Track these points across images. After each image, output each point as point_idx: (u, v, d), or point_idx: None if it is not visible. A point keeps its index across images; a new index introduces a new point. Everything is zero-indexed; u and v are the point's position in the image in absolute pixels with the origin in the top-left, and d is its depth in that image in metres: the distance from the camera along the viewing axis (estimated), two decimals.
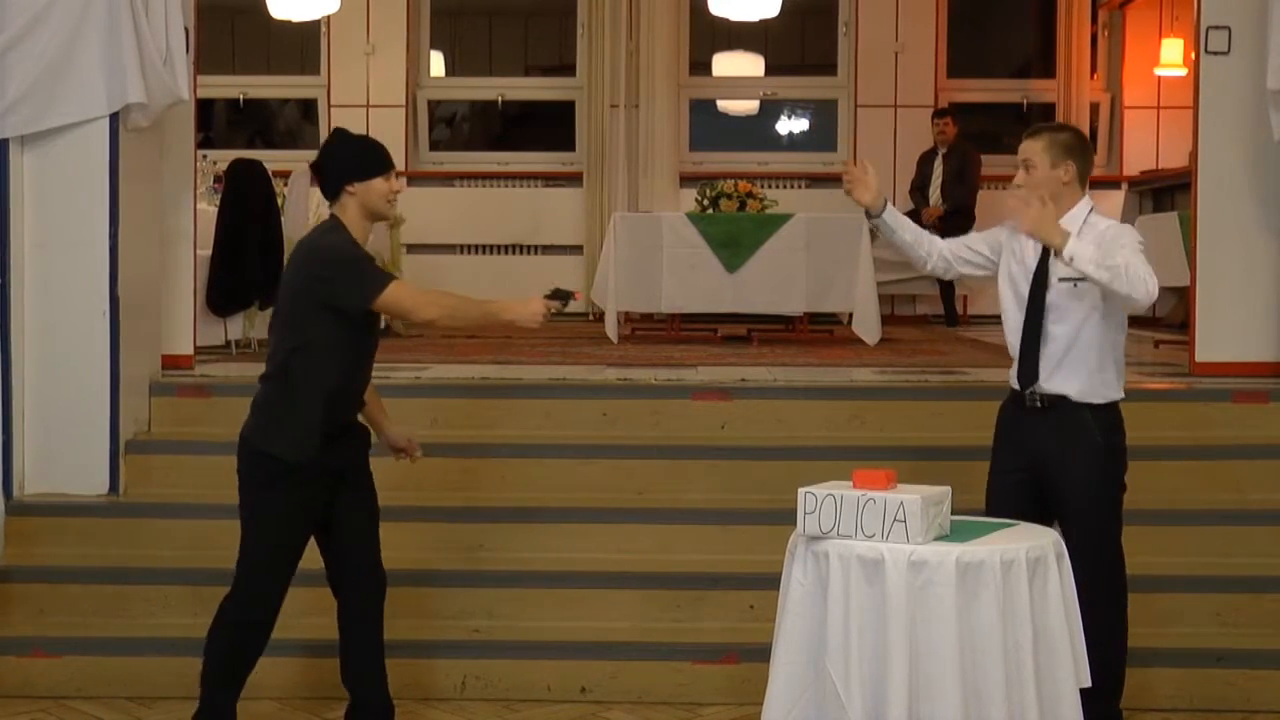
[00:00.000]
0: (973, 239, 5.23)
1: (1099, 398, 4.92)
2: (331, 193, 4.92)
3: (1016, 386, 5.01)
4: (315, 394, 4.81)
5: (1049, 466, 4.92)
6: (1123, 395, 5.00)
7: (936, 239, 5.24)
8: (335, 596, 5.10)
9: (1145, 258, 4.78)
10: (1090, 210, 4.96)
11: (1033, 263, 4.95)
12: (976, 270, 5.18)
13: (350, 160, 4.90)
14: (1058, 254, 4.71)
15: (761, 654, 4.47)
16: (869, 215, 5.12)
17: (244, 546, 4.94)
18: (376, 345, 5.04)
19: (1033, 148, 4.95)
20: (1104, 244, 4.78)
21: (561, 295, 4.86)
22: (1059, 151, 4.93)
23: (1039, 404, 4.93)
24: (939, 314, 12.16)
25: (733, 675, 5.63)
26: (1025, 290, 4.97)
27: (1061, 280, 4.88)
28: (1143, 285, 4.65)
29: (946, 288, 11.82)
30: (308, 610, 5.38)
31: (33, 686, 5.70)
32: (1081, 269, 4.67)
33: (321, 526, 5.00)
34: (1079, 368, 4.90)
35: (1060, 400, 4.91)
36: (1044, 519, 4.81)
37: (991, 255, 5.13)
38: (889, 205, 5.12)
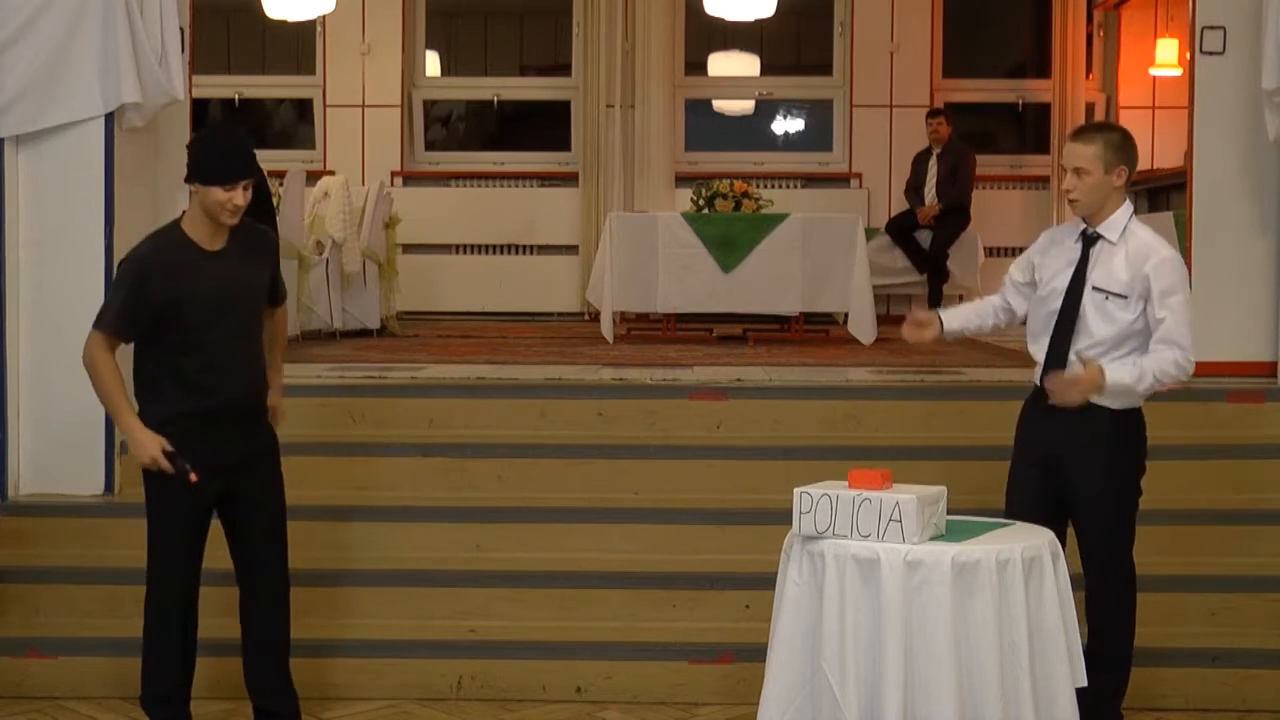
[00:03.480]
0: (1012, 272, 5.14)
1: (1118, 402, 4.83)
2: (188, 181, 4.89)
3: (1038, 384, 4.96)
4: (159, 390, 4.85)
5: (1063, 466, 4.88)
6: (1140, 402, 4.91)
7: (992, 301, 5.19)
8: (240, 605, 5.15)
9: (1188, 297, 4.79)
10: (1130, 216, 4.87)
11: (1067, 273, 4.88)
12: (1028, 295, 5.07)
13: (199, 160, 4.84)
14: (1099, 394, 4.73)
15: (757, 654, 4.47)
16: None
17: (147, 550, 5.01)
18: (233, 331, 4.88)
19: (1085, 154, 4.78)
20: (1146, 279, 4.75)
21: (180, 467, 4.78)
22: (1114, 155, 4.79)
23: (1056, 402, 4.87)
24: None
25: (728, 675, 5.62)
26: (1055, 303, 4.89)
27: (1095, 289, 4.82)
28: (1174, 370, 4.74)
29: (934, 288, 11.81)
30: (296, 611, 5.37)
31: (28, 687, 5.69)
32: (1127, 399, 4.74)
33: (226, 530, 5.04)
34: None
35: None
36: (1060, 517, 4.82)
37: (1032, 276, 5.04)
38: (944, 323, 5.08)
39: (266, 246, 5.10)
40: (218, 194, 4.79)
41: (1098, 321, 4.81)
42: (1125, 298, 4.78)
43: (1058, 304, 4.88)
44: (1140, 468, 4.95)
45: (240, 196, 4.81)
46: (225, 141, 4.89)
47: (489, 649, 5.75)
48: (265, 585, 5.09)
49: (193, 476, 4.79)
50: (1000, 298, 5.16)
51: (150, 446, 4.78)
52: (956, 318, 5.14)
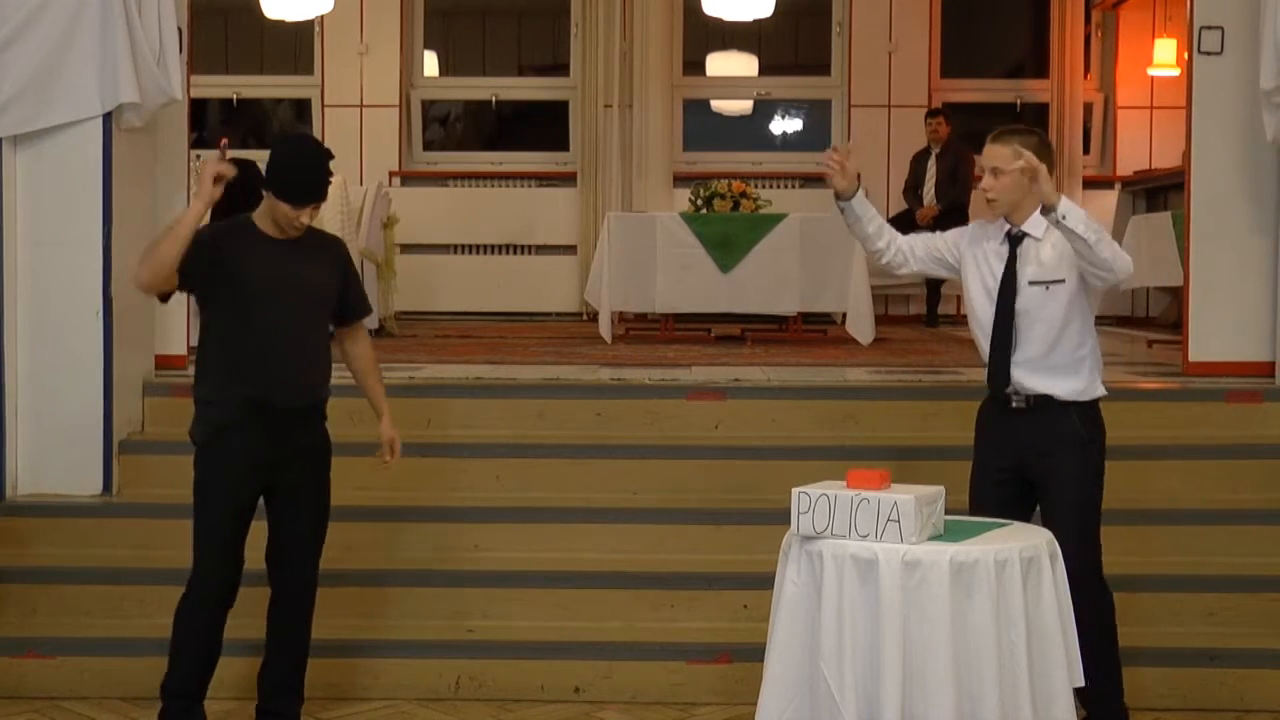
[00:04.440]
0: (935, 237, 5.19)
1: (1082, 396, 4.92)
2: (263, 185, 4.96)
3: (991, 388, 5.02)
4: (210, 370, 4.93)
5: (1035, 465, 4.92)
6: (1104, 392, 5.00)
7: (898, 234, 5.18)
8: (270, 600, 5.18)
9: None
10: None
11: (999, 268, 4.93)
12: (934, 268, 5.16)
13: (277, 171, 4.90)
14: (1050, 210, 4.62)
15: (755, 654, 4.47)
16: (838, 198, 5.00)
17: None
18: (285, 320, 4.92)
19: (1002, 154, 4.87)
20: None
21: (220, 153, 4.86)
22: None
23: (1024, 404, 4.93)
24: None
25: (726, 675, 5.62)
26: (994, 295, 4.95)
27: (1031, 284, 4.88)
28: (1123, 256, 4.71)
29: (933, 289, 11.82)
30: None
31: (26, 687, 5.69)
32: (1072, 226, 4.62)
33: (268, 525, 5.08)
34: (1059, 368, 4.90)
35: (1045, 400, 4.90)
36: (1026, 518, 4.83)
37: (950, 258, 5.09)
38: (860, 194, 5.00)
39: (336, 253, 5.17)
40: (285, 210, 4.89)
41: (1042, 313, 4.86)
42: (1064, 281, 4.84)
43: (988, 305, 4.95)
44: (1103, 460, 5.00)
45: (307, 216, 4.90)
46: (306, 162, 4.92)
47: (487, 649, 5.75)
48: (292, 586, 5.11)
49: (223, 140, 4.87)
50: (908, 243, 5.14)
51: (204, 169, 4.80)
52: (867, 207, 5.02)
